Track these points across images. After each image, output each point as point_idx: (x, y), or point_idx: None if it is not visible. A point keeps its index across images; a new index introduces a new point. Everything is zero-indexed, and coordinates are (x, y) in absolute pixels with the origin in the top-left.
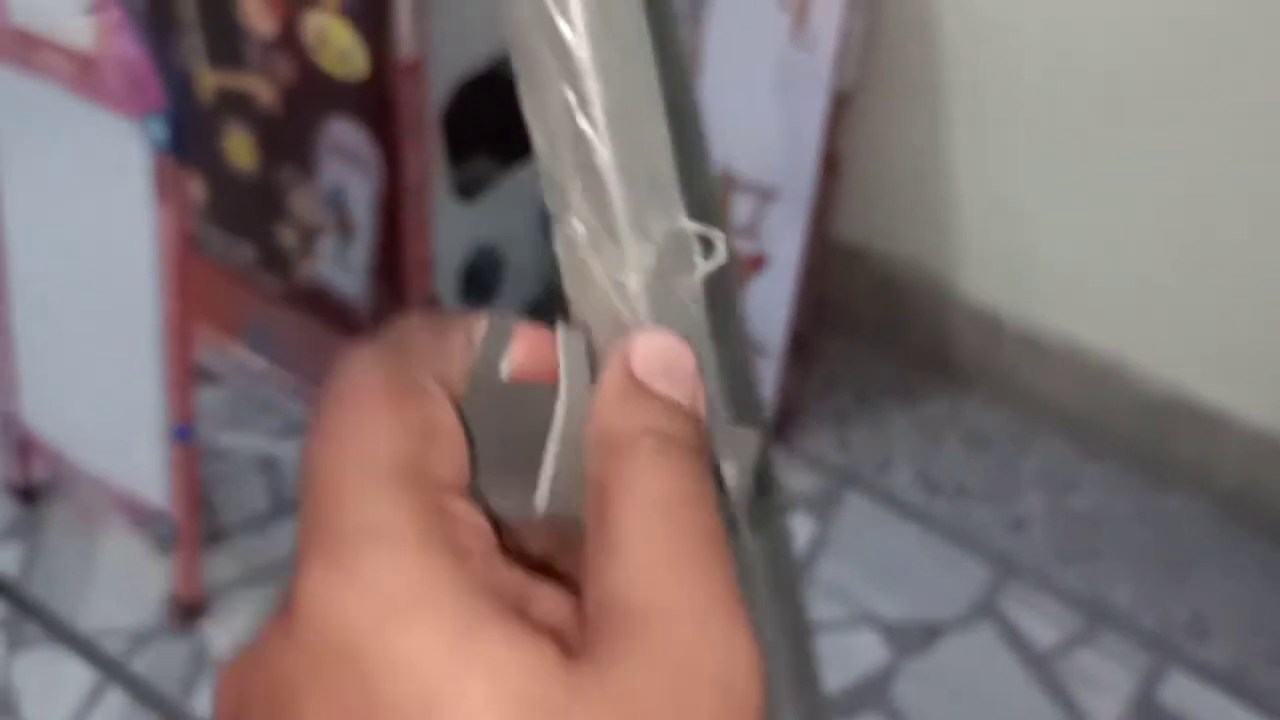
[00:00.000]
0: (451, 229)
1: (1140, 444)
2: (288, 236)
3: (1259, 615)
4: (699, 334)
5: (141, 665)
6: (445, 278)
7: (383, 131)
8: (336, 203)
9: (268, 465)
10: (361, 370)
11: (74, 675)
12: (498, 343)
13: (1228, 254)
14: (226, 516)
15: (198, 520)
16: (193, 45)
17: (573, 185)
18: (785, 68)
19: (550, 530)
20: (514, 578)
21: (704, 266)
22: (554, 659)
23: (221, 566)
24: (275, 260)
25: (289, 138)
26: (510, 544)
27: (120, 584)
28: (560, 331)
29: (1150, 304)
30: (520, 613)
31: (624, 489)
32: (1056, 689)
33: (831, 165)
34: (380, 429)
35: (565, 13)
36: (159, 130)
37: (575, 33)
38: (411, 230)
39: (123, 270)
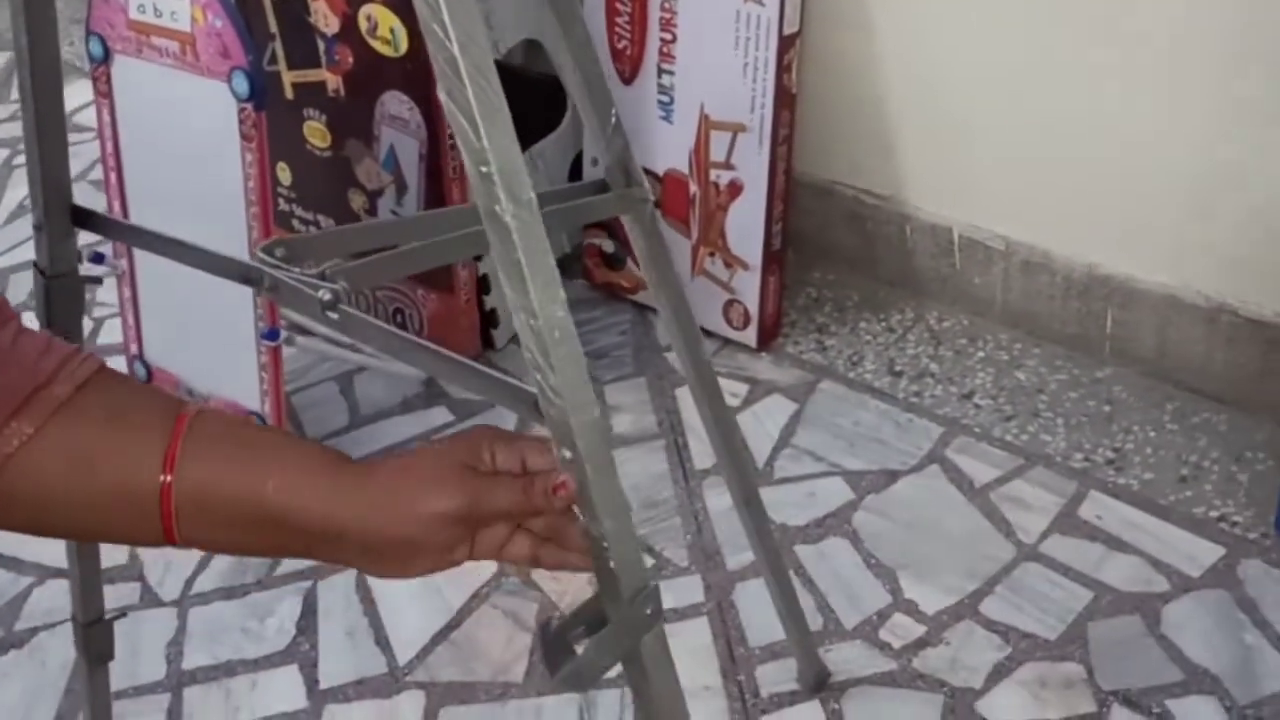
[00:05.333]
0: None
1: (1071, 323)
2: (357, 201)
3: (1171, 450)
4: None
5: None
6: None
7: (425, 99)
8: (392, 166)
9: (346, 392)
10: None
11: None
12: None
13: (1124, 137)
14: (313, 431)
15: (284, 416)
16: (276, 52)
17: None
18: (742, 22)
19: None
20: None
21: None
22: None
23: None
24: (348, 224)
25: (353, 115)
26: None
27: None
28: None
29: (1065, 197)
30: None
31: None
32: (992, 511)
33: (786, 99)
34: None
35: None
36: (241, 85)
37: None
38: (452, 181)
39: (220, 204)
